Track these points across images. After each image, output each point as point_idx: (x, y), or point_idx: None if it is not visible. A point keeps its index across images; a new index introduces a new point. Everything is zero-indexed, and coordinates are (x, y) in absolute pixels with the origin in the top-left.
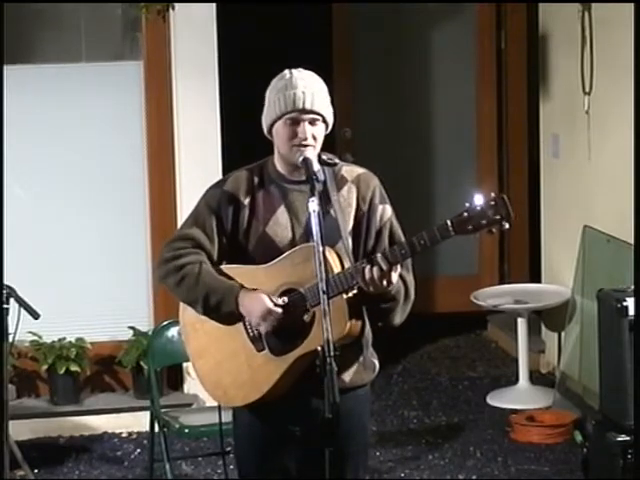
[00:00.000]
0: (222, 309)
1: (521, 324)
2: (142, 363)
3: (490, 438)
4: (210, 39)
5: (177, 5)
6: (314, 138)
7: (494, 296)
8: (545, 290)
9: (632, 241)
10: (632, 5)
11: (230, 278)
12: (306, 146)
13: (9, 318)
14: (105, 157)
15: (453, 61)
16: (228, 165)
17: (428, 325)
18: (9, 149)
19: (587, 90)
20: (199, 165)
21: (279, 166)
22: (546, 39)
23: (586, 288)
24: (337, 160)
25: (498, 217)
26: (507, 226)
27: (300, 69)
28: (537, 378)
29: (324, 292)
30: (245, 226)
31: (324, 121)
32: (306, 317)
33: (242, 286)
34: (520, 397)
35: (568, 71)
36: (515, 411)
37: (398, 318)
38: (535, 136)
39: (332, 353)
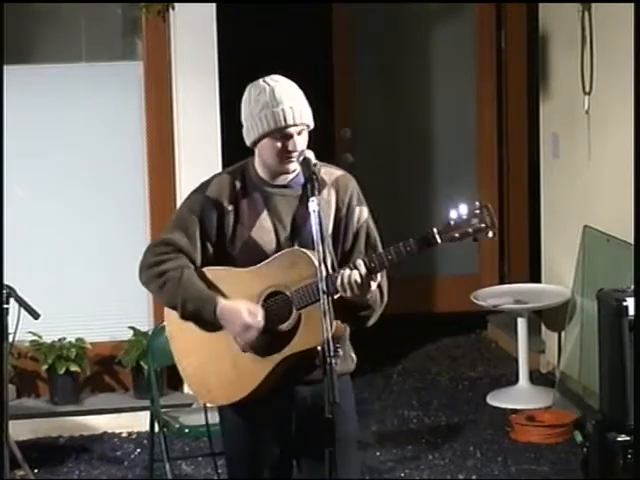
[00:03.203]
0: (200, 317)
1: (521, 324)
2: (142, 363)
3: (490, 438)
4: (210, 39)
5: (177, 5)
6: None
7: (494, 296)
8: (545, 290)
9: (632, 241)
10: (632, 5)
11: (214, 281)
12: (295, 155)
13: (9, 318)
14: (105, 157)
15: (453, 61)
16: (228, 165)
17: (428, 325)
18: (9, 149)
19: (587, 90)
20: (199, 165)
21: (261, 171)
22: (546, 39)
23: (586, 288)
24: (315, 161)
25: (483, 225)
26: (491, 235)
27: (274, 77)
28: (537, 378)
29: (324, 292)
30: (230, 231)
31: (308, 127)
32: (290, 321)
33: (224, 295)
34: (520, 397)
35: (568, 71)
36: (515, 411)
37: (372, 321)
38: (535, 136)
39: (332, 353)
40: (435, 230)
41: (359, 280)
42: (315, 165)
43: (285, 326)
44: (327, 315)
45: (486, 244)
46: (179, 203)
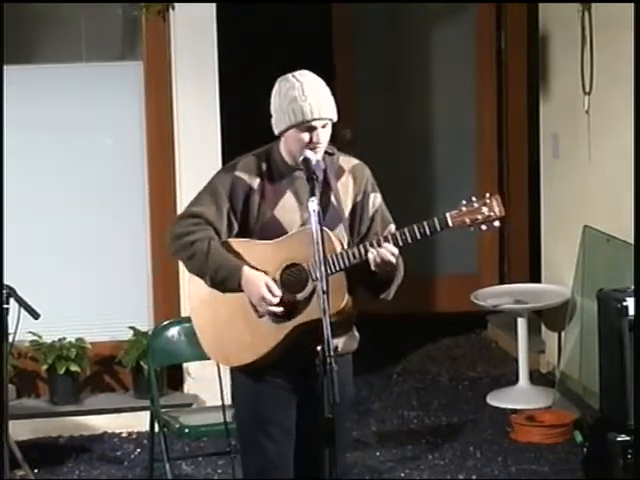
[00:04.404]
0: (227, 285)
1: (521, 324)
2: (142, 363)
3: (490, 438)
4: (210, 39)
5: (177, 5)
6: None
7: (494, 296)
8: (545, 290)
9: (632, 241)
10: (632, 5)
11: (238, 252)
12: (319, 146)
13: (9, 318)
14: (105, 157)
15: (453, 61)
16: None
17: (428, 325)
18: (9, 149)
19: (587, 90)
20: (199, 165)
21: (285, 156)
22: (546, 39)
23: (586, 288)
24: (335, 150)
25: (492, 214)
26: (497, 224)
27: (302, 72)
28: (537, 378)
29: (324, 292)
30: (256, 209)
31: (331, 120)
32: (307, 290)
33: (248, 264)
34: (520, 397)
35: (568, 71)
36: (515, 411)
37: (392, 291)
38: (535, 136)
39: (332, 353)
40: (447, 214)
41: (388, 255)
42: (334, 154)
43: (301, 295)
44: (327, 314)
45: (486, 244)
46: (179, 203)
